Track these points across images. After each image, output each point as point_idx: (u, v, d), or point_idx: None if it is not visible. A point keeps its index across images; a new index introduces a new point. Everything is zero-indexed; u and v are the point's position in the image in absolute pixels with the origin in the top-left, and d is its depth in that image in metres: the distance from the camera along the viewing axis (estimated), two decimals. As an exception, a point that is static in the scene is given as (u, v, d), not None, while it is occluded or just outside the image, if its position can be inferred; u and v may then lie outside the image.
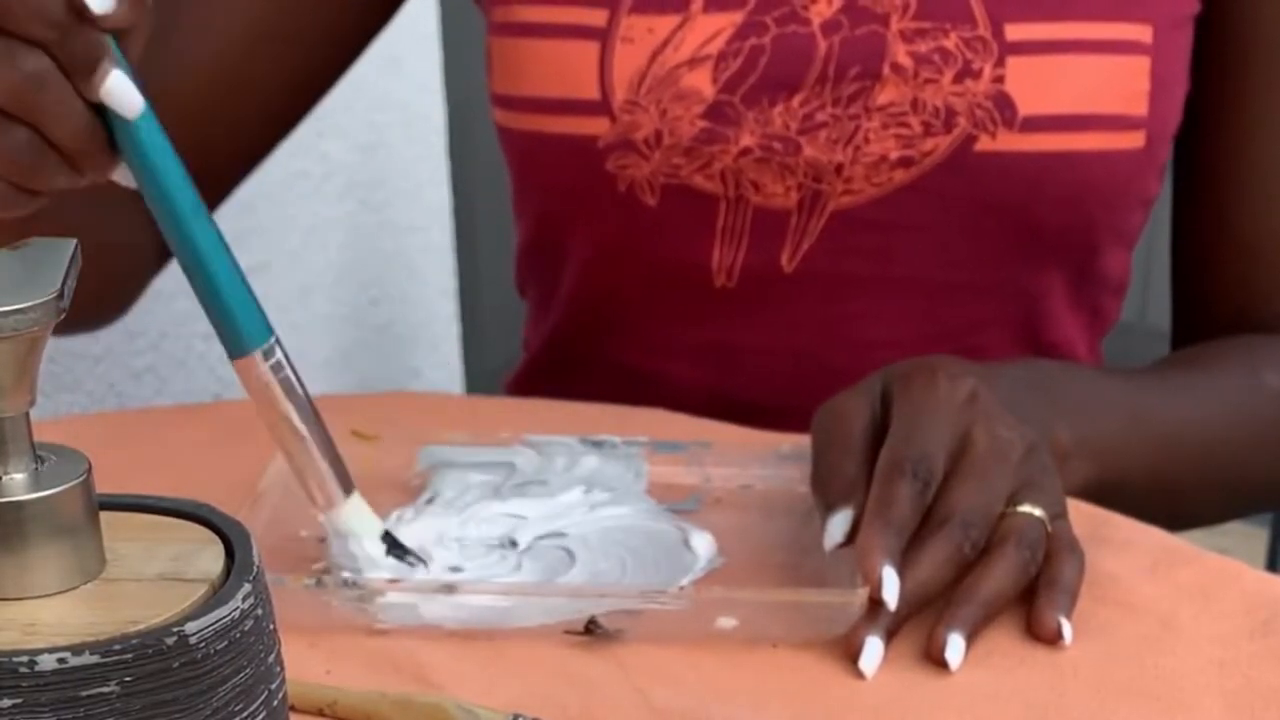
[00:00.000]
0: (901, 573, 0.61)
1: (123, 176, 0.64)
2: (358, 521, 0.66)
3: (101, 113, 0.62)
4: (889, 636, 0.61)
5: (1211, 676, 0.60)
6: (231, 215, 1.26)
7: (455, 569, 0.68)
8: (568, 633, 0.63)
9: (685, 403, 0.84)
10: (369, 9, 0.94)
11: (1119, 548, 0.68)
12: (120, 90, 0.61)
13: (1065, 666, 0.61)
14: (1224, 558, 0.68)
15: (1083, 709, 0.59)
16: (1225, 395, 0.83)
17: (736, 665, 0.61)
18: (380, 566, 0.65)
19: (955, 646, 0.61)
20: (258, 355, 0.63)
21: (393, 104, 1.18)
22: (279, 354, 0.64)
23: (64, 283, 0.37)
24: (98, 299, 0.92)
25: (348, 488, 0.66)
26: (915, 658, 0.62)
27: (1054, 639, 0.62)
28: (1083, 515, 0.69)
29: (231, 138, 0.92)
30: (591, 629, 0.62)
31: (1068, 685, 0.60)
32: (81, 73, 0.61)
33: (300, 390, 0.64)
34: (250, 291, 0.63)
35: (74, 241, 0.39)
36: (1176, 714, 0.58)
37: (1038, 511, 0.65)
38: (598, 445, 0.75)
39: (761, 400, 0.89)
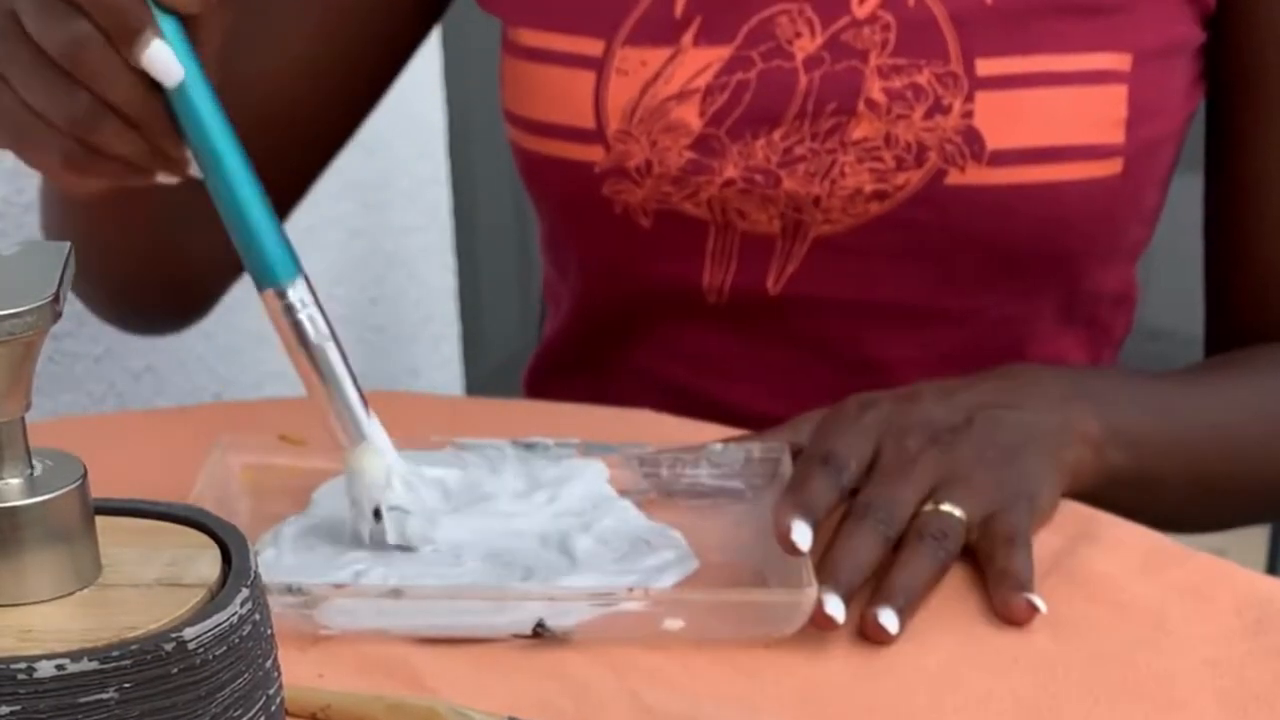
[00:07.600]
0: (816, 531, 0.64)
1: (195, 167, 0.68)
2: (368, 462, 0.69)
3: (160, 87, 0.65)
4: (848, 598, 0.63)
5: (1203, 676, 0.61)
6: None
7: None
8: (516, 636, 0.63)
9: (690, 407, 0.85)
10: (410, 33, 0.95)
11: (1109, 547, 0.69)
12: (159, 58, 0.65)
13: (1057, 667, 0.62)
14: (1215, 557, 0.68)
15: (1075, 709, 0.59)
16: (1262, 399, 0.83)
17: (730, 668, 0.62)
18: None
19: (888, 616, 0.63)
20: (270, 292, 0.68)
21: (393, 104, 1.18)
22: (293, 297, 0.68)
23: (59, 287, 0.37)
24: (171, 301, 0.96)
25: (359, 432, 0.69)
26: (909, 661, 0.62)
27: (1027, 617, 0.64)
28: (1073, 514, 0.69)
29: (283, 168, 0.92)
30: (539, 632, 0.63)
31: (1059, 685, 0.60)
32: (122, 40, 0.64)
33: (312, 333, 0.69)
34: (276, 233, 0.70)
35: (68, 245, 0.39)
36: (1168, 714, 0.59)
37: (957, 511, 0.67)
38: (529, 448, 0.75)
39: (769, 412, 0.89)
